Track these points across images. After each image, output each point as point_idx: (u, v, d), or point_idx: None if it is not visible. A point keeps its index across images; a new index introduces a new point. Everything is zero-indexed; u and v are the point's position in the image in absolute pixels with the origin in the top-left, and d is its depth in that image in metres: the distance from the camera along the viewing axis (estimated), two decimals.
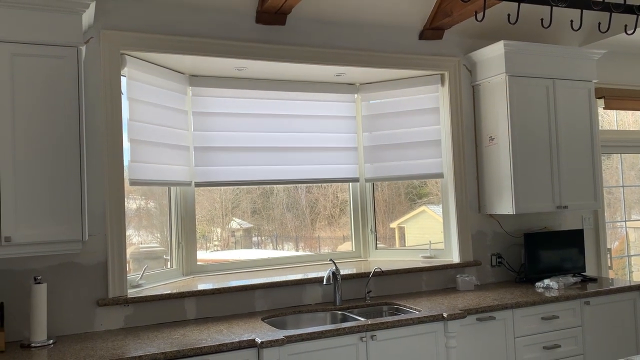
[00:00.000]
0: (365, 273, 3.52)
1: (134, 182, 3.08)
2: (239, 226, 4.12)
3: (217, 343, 2.53)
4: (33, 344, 2.60)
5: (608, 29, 2.64)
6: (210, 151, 3.56)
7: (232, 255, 3.96)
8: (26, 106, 2.49)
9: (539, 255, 3.94)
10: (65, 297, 2.86)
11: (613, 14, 2.57)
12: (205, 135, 3.57)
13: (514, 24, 2.48)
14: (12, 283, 2.75)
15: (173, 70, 3.43)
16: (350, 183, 4.07)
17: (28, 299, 2.69)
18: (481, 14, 3.06)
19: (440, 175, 3.94)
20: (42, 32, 2.52)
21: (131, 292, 3.04)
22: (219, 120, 3.60)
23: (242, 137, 3.66)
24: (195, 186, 3.52)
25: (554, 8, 2.51)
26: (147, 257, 3.52)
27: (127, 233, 3.06)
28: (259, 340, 2.56)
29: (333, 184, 4.08)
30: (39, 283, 2.64)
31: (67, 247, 2.55)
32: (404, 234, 4.35)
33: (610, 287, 3.60)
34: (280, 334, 2.66)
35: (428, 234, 4.20)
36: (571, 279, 3.75)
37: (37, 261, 2.80)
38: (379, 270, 3.50)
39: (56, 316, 2.82)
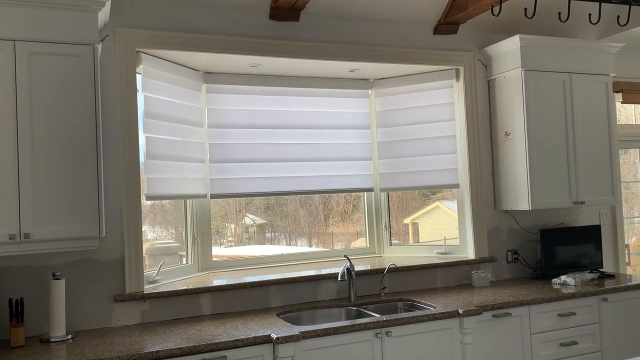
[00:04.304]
0: (379, 269, 3.52)
1: (150, 197, 3.11)
2: (252, 222, 4.13)
3: (233, 339, 2.55)
4: (52, 339, 2.63)
5: (627, 22, 2.61)
6: (225, 154, 3.55)
7: (246, 251, 3.97)
8: (43, 105, 2.52)
9: (555, 251, 3.90)
10: (83, 292, 2.89)
11: (632, 6, 2.53)
12: (220, 132, 3.58)
13: (531, 18, 2.46)
14: (32, 279, 2.79)
15: (187, 67, 3.44)
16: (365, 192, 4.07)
17: (47, 294, 2.73)
18: (497, 7, 3.04)
19: (455, 185, 3.91)
20: (59, 31, 2.54)
21: (148, 288, 3.07)
22: (233, 117, 3.61)
23: (257, 134, 3.66)
24: (210, 197, 3.52)
25: (571, 2, 2.48)
26: (163, 253, 3.55)
27: (142, 229, 3.08)
28: (274, 335, 2.58)
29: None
30: (58, 279, 2.68)
31: (84, 243, 2.58)
32: (418, 230, 4.34)
33: (629, 284, 3.56)
34: (295, 330, 2.66)
35: (442, 229, 4.18)
36: (588, 275, 3.71)
37: (55, 257, 2.84)
38: (394, 266, 3.49)
39: (74, 311, 2.86)
